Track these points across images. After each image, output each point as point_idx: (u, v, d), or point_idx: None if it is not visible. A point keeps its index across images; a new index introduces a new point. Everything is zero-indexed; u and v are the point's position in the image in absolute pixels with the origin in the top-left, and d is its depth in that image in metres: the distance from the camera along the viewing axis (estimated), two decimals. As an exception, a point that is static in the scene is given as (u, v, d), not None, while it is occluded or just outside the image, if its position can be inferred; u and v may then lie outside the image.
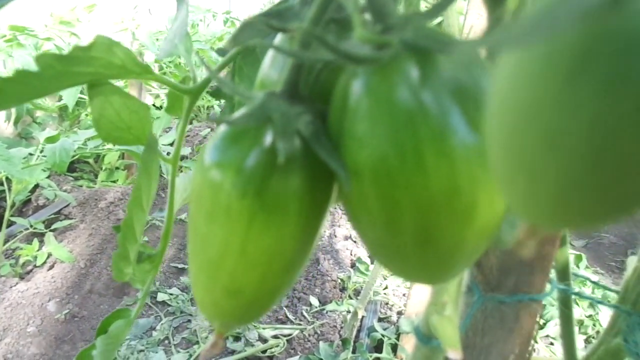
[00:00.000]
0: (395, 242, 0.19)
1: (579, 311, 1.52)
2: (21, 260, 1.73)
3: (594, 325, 1.51)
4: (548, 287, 0.45)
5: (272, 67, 0.25)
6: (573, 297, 0.46)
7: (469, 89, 0.17)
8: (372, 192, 0.18)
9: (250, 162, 0.19)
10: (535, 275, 0.41)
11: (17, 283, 1.65)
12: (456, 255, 0.19)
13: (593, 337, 1.50)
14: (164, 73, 2.74)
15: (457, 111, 0.17)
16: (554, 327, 1.46)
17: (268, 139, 0.20)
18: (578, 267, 1.67)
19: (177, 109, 0.35)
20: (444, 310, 0.35)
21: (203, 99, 3.07)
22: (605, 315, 1.50)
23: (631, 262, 0.43)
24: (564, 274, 0.45)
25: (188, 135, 2.72)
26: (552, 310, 1.47)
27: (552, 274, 0.44)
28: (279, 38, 0.25)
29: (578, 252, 1.77)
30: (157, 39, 2.72)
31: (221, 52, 0.36)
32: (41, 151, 1.70)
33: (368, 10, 0.18)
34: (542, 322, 1.48)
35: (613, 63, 0.09)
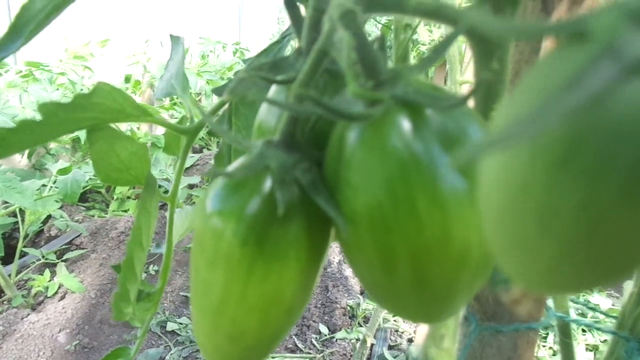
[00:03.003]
0: (392, 285, 0.19)
1: (592, 337, 1.49)
2: (33, 291, 1.74)
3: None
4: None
5: (269, 113, 0.26)
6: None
7: (458, 138, 0.18)
8: (368, 238, 0.18)
9: (251, 211, 0.20)
10: (532, 304, 0.41)
11: (28, 314, 1.66)
12: (451, 295, 0.19)
13: (610, 364, 1.46)
14: (175, 104, 2.79)
15: (446, 160, 0.18)
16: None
17: (267, 187, 0.21)
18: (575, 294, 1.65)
19: (175, 149, 0.36)
20: (442, 342, 0.35)
21: (213, 127, 3.11)
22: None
23: (627, 287, 0.43)
24: (561, 302, 0.45)
25: (198, 164, 2.75)
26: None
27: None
28: (275, 87, 0.26)
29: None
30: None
31: (217, 91, 0.38)
32: (54, 182, 1.73)
33: (360, 66, 0.19)
34: (543, 333, 1.46)
35: (598, 152, 0.09)
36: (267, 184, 0.21)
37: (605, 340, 1.49)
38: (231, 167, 0.21)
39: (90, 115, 0.30)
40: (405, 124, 0.18)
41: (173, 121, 0.43)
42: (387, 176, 0.18)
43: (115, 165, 0.34)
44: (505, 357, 0.42)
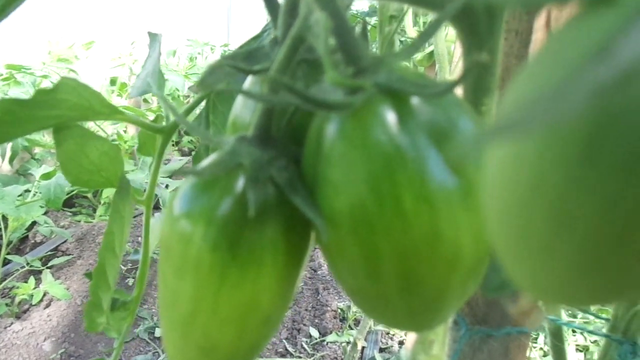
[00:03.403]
0: (378, 290, 0.18)
1: (582, 338, 1.49)
2: (17, 299, 1.70)
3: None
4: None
5: (244, 108, 0.24)
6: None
7: (446, 130, 0.16)
8: (350, 240, 0.17)
9: (222, 212, 0.18)
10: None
11: (12, 323, 1.62)
12: (441, 301, 0.18)
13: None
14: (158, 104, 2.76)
15: (435, 154, 0.16)
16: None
17: (240, 186, 0.19)
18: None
19: (150, 149, 0.34)
20: (431, 349, 0.33)
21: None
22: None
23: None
24: (553, 305, 0.44)
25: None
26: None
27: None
28: (249, 79, 0.24)
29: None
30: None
31: (193, 88, 0.36)
32: (37, 188, 1.70)
33: (339, 52, 0.17)
34: (534, 334, 1.45)
35: (633, 140, 0.08)
36: (240, 183, 0.19)
37: (595, 341, 1.48)
38: (200, 165, 0.19)
39: (55, 112, 0.28)
40: (389, 115, 0.16)
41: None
42: (370, 172, 0.16)
43: (86, 166, 0.32)
44: (497, 362, 0.41)
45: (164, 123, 0.35)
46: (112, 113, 0.30)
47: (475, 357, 0.38)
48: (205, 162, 0.19)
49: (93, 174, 0.32)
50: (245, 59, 0.21)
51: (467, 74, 0.16)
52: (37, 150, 2.44)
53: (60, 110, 0.28)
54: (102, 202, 2.36)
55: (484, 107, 0.25)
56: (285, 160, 0.19)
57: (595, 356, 1.46)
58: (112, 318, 0.36)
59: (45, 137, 2.44)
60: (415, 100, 0.17)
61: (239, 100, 0.24)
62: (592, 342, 1.49)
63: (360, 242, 0.17)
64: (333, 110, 0.16)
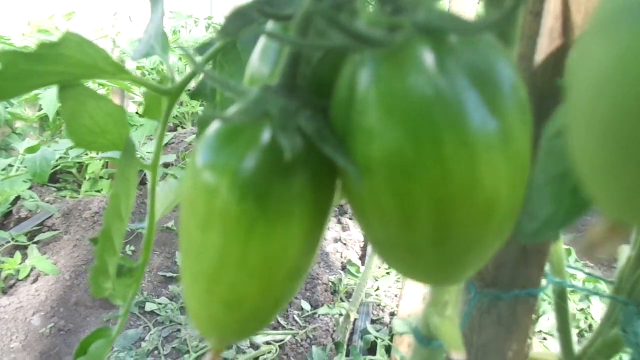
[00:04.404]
0: (410, 241, 0.17)
1: (570, 305, 1.52)
2: (3, 275, 1.68)
3: (586, 318, 1.51)
4: (543, 281, 0.44)
5: (262, 61, 0.23)
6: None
7: (487, 72, 0.16)
8: (385, 188, 0.16)
9: (248, 163, 0.18)
10: (531, 270, 0.40)
11: (-1, 298, 1.60)
12: (474, 252, 0.18)
13: (585, 331, 1.50)
14: (145, 73, 2.71)
15: (476, 97, 0.16)
16: (546, 322, 1.46)
17: (266, 136, 0.18)
18: (568, 260, 1.68)
19: (156, 112, 0.33)
20: (445, 310, 0.33)
21: (187, 105, 3.04)
22: (597, 308, 1.51)
23: (623, 251, 0.42)
24: (559, 268, 0.44)
25: (172, 142, 2.69)
26: (545, 306, 1.46)
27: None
28: (269, 27, 0.23)
29: (567, 246, 1.77)
30: (138, 45, 2.68)
31: (201, 49, 0.35)
32: (21, 162, 1.66)
33: None
34: (534, 317, 1.48)
35: None
36: (267, 132, 0.18)
37: (582, 309, 1.52)
38: (226, 113, 0.19)
39: (58, 68, 0.27)
40: (428, 57, 0.16)
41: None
42: (408, 117, 0.15)
43: (89, 127, 0.31)
44: (504, 325, 0.41)
45: (169, 85, 0.33)
46: (117, 72, 0.29)
47: (482, 319, 0.38)
48: (230, 110, 0.19)
49: (97, 136, 0.31)
50: (267, 4, 0.20)
51: (511, 11, 0.15)
52: (18, 124, 2.38)
53: (64, 66, 0.27)
54: (87, 177, 2.32)
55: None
56: (312, 109, 0.18)
57: (582, 324, 1.50)
58: (118, 284, 0.35)
59: (27, 111, 2.38)
60: (453, 41, 0.16)
61: (256, 53, 0.23)
62: (578, 310, 1.52)
63: (395, 190, 0.16)
64: (374, 46, 0.15)
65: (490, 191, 0.16)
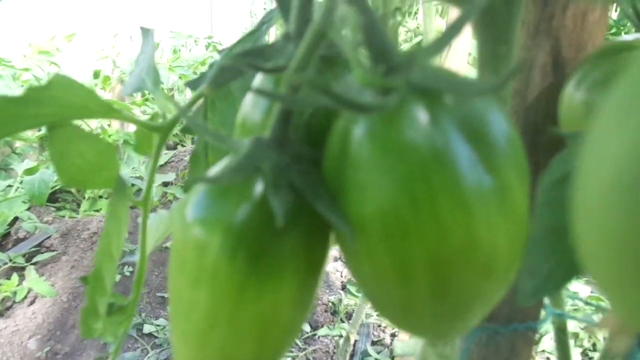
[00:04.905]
0: (407, 299, 0.17)
1: (573, 324, 1.51)
2: (0, 297, 1.67)
3: (590, 337, 1.49)
4: (542, 313, 0.43)
5: (254, 107, 0.23)
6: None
7: (483, 129, 0.16)
8: (381, 248, 0.16)
9: (240, 220, 0.17)
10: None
11: (-5, 321, 1.58)
12: (472, 309, 0.17)
13: (589, 350, 1.48)
14: (147, 99, 2.72)
15: (472, 155, 0.15)
16: (549, 342, 1.44)
17: (258, 192, 0.18)
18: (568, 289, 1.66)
19: (147, 148, 0.33)
20: (444, 350, 0.33)
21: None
22: (599, 328, 1.49)
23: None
24: (558, 299, 0.43)
25: (172, 161, 2.69)
26: (547, 325, 1.45)
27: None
28: (260, 77, 0.23)
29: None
30: (138, 65, 2.70)
31: (192, 85, 0.34)
32: (20, 183, 1.66)
33: (366, 49, 0.16)
34: (537, 336, 1.47)
35: None
36: (258, 188, 0.18)
37: (585, 327, 1.50)
38: (215, 170, 0.18)
39: (49, 110, 0.27)
40: (423, 115, 0.15)
41: (145, 118, 0.39)
42: (404, 175, 0.15)
43: (80, 166, 0.30)
44: (503, 359, 0.40)
45: (160, 121, 0.33)
46: (107, 111, 0.29)
47: (482, 354, 0.37)
48: (219, 166, 0.18)
49: (88, 174, 0.31)
50: (258, 56, 0.20)
51: (514, 73, 0.15)
52: (18, 144, 2.39)
53: (54, 108, 0.27)
54: (86, 196, 2.32)
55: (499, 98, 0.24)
56: (304, 164, 0.18)
57: (586, 343, 1.48)
58: (109, 323, 0.34)
59: (27, 132, 2.38)
60: (447, 99, 0.16)
61: (248, 99, 0.23)
62: (581, 329, 1.51)
63: (390, 248, 0.16)
64: (366, 112, 0.15)
65: (488, 249, 0.16)
